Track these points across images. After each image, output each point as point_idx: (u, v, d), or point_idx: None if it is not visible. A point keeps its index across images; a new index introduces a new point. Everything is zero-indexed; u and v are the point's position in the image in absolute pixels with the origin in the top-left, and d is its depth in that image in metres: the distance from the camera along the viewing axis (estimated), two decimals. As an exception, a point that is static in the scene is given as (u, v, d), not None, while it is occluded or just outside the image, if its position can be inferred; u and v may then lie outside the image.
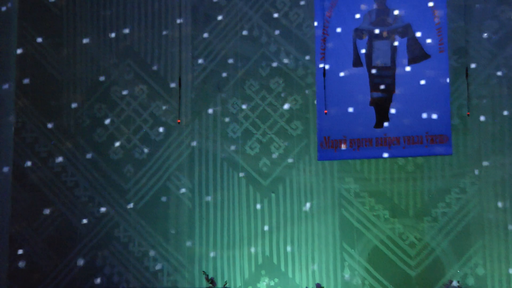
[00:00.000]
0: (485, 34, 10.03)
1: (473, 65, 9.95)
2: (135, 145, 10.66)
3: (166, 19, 10.77)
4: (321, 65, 10.13)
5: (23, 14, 10.76)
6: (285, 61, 10.50)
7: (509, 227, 9.77)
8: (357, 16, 10.05)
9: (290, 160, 10.35)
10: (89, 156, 10.71)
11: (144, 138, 10.62)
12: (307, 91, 10.38)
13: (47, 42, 10.89)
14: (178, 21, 10.63)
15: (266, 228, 10.29)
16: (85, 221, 10.59)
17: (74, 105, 10.80)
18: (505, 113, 9.93)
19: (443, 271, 9.87)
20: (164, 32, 10.79)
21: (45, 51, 10.86)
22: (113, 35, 10.78)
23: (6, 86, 10.27)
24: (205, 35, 10.68)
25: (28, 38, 10.85)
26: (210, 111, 10.54)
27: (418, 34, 9.87)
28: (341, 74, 9.98)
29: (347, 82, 9.97)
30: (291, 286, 10.12)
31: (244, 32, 10.61)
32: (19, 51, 10.66)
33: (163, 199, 10.48)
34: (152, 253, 10.48)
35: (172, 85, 10.60)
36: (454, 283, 9.49)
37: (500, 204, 9.85)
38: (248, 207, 10.34)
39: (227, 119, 10.54)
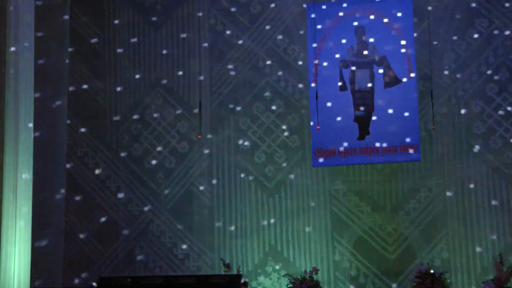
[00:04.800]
0: (445, 64, 10.67)
1: (436, 89, 10.43)
2: (165, 156, 11.12)
3: (188, 54, 11.25)
4: (313, 85, 10.59)
5: (75, 55, 11.31)
6: (284, 87, 11.02)
7: (467, 218, 10.36)
8: (342, 49, 10.67)
9: (290, 167, 10.89)
10: (128, 165, 11.17)
11: (172, 151, 11.11)
12: (303, 111, 10.91)
13: (94, 76, 11.43)
14: (198, 55, 11.16)
15: (272, 221, 10.80)
16: (125, 218, 11.08)
17: (115, 124, 11.32)
18: (462, 127, 10.56)
19: (414, 255, 10.41)
20: (184, 69, 11.26)
21: (93, 84, 11.43)
22: (145, 68, 11.30)
23: (58, 102, 10.35)
24: (220, 67, 11.19)
25: (79, 74, 11.42)
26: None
27: (392, 64, 10.48)
28: (330, 97, 10.57)
29: (335, 103, 10.57)
30: (292, 269, 10.49)
31: (251, 64, 11.15)
32: (71, 88, 11.13)
33: (188, 200, 10.99)
34: (180, 243, 10.93)
35: (194, 108, 11.07)
36: (424, 265, 9.89)
37: (459, 200, 10.44)
38: (256, 205, 10.84)
39: (239, 135, 11.03)
